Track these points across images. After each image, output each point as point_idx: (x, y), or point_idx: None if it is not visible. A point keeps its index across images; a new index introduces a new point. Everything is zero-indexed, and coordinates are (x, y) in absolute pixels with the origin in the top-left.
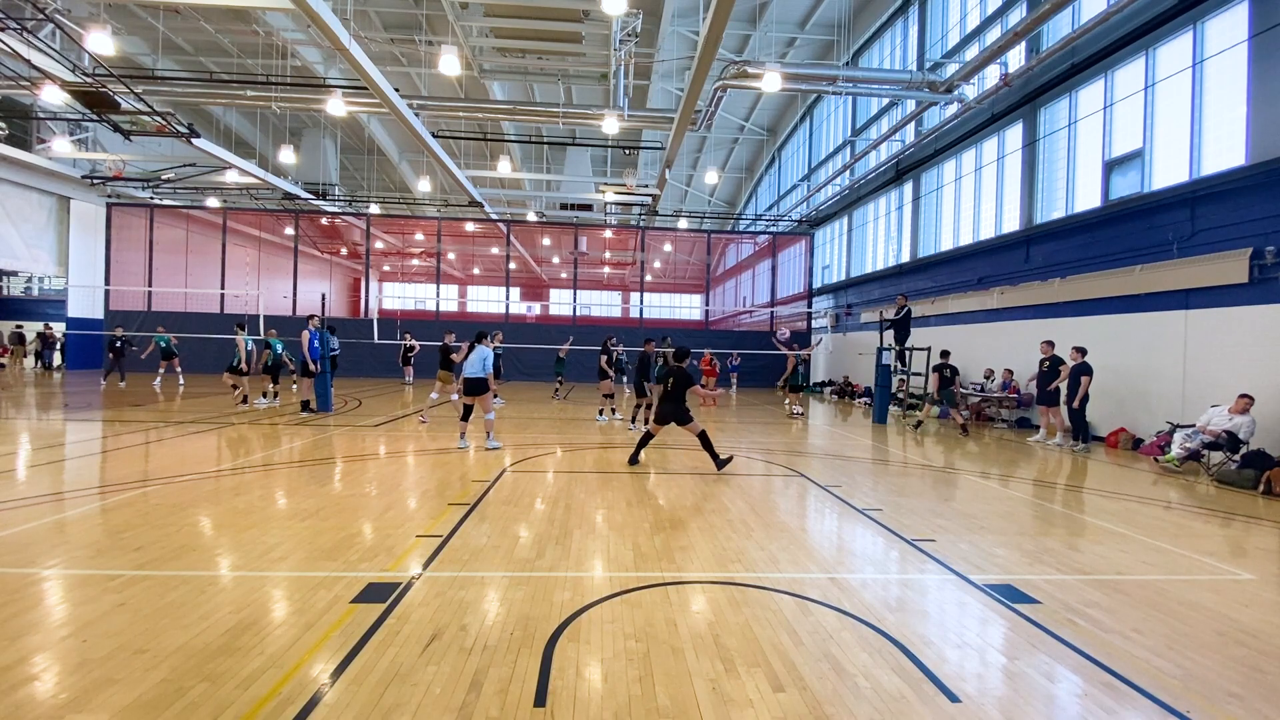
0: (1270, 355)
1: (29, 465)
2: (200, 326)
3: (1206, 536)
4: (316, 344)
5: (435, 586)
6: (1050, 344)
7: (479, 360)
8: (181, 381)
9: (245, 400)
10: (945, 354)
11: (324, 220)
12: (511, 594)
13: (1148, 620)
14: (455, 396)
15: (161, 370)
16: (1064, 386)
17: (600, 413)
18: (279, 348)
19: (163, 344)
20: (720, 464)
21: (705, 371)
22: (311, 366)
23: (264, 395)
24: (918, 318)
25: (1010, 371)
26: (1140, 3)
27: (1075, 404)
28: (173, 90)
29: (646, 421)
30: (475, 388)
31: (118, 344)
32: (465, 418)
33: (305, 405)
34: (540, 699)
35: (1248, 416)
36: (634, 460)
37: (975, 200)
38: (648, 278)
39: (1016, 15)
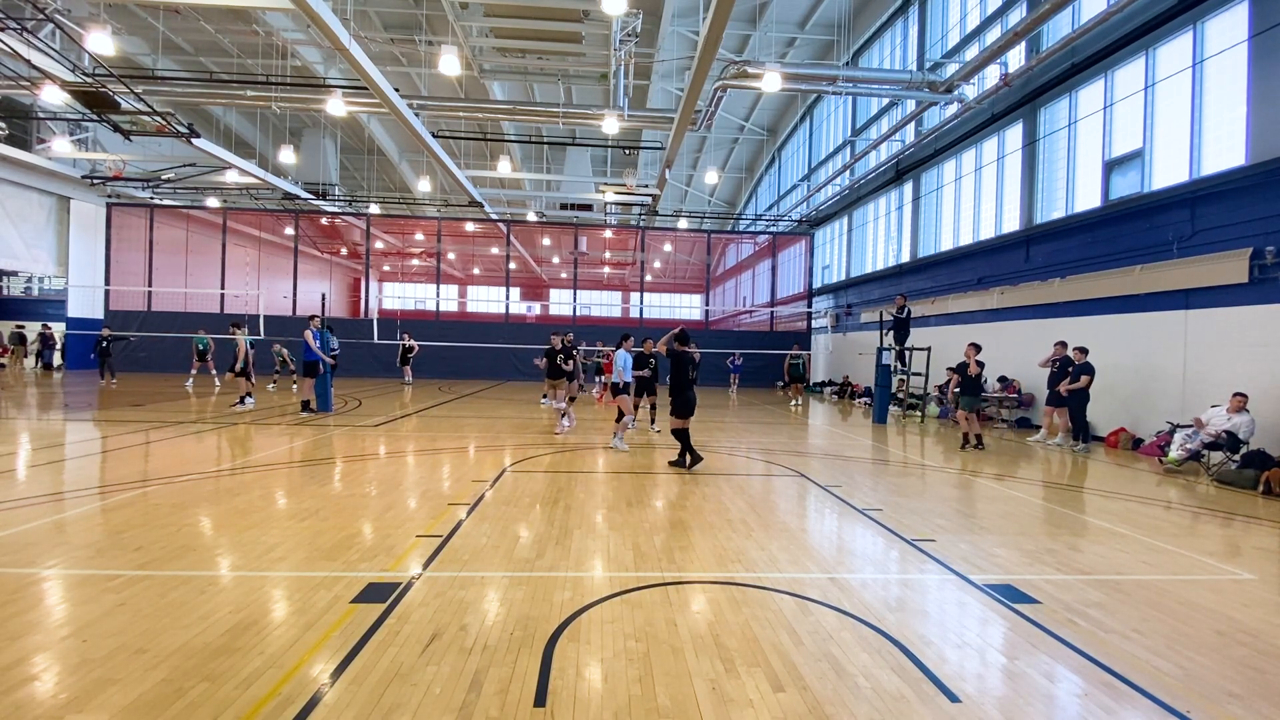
0: (1270, 355)
1: (29, 465)
2: (205, 328)
3: (1206, 536)
4: (321, 343)
5: (435, 586)
6: (1063, 344)
7: (617, 365)
8: (218, 382)
9: (243, 400)
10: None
11: (324, 220)
12: (511, 594)
13: (1148, 620)
14: (558, 403)
15: (194, 370)
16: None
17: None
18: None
19: (200, 345)
20: (680, 461)
21: (605, 368)
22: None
23: (250, 394)
24: (918, 318)
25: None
26: (1140, 3)
27: (1064, 389)
28: (173, 90)
29: (648, 422)
30: (616, 390)
31: (104, 344)
32: (619, 419)
33: (305, 405)
34: (540, 699)
35: (1246, 415)
36: (687, 464)
37: (975, 200)
38: (648, 278)
39: (1016, 15)
